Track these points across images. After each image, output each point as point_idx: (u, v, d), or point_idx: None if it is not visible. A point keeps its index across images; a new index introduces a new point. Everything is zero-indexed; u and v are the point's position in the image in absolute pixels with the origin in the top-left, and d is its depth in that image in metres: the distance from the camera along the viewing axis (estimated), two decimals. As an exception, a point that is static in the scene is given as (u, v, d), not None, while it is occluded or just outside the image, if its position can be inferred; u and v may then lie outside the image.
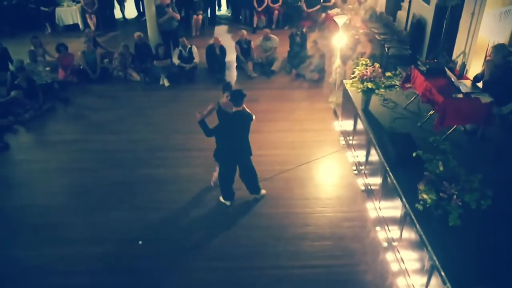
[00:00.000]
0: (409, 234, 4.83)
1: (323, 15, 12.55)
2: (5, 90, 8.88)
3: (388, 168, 5.41)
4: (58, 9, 13.03)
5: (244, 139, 5.78)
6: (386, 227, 5.54)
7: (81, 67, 10.10)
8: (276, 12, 13.14)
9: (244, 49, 10.40)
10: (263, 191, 6.38)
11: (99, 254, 5.47)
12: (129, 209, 6.19)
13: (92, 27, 12.70)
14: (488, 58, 6.50)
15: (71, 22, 13.17)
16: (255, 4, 12.99)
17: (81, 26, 13.14)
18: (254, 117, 5.72)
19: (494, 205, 4.12)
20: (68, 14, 13.10)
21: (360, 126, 6.73)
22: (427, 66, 6.44)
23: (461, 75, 6.58)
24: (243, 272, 5.20)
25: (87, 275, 5.20)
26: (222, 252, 5.49)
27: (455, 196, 4.17)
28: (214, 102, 5.89)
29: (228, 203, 6.25)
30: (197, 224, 5.94)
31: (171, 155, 7.37)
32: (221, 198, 6.27)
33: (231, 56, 10.56)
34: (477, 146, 6.02)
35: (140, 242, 5.63)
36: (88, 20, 13.02)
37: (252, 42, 10.51)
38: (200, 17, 12.76)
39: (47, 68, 10.05)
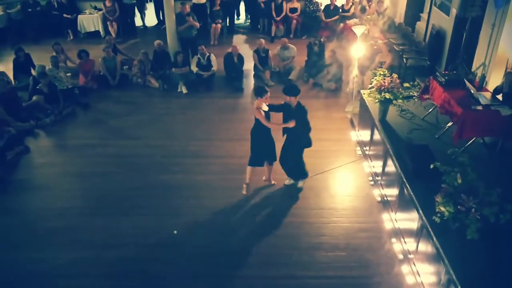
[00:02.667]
0: (425, 246, 4.78)
1: (341, 25, 12.58)
2: (27, 95, 9.10)
3: (405, 179, 5.37)
4: (80, 17, 13.32)
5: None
6: (402, 239, 5.49)
7: (101, 73, 10.28)
8: (295, 21, 13.20)
9: (261, 57, 10.46)
10: (299, 183, 6.77)
11: (115, 259, 5.51)
12: (145, 214, 6.24)
13: (113, 34, 12.95)
14: (508, 70, 6.42)
15: (92, 29, 13.43)
16: (273, 13, 13.08)
17: (102, 33, 13.37)
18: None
19: (513, 219, 4.05)
20: (90, 21, 13.38)
21: (377, 136, 6.70)
22: (446, 77, 6.40)
23: (481, 87, 6.52)
24: (256, 280, 5.19)
25: (102, 279, 5.25)
26: (236, 260, 5.49)
27: (473, 209, 4.12)
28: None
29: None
30: (212, 231, 5.95)
31: (188, 161, 7.42)
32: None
33: (249, 65, 10.62)
34: (497, 159, 5.94)
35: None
36: (109, 28, 13.26)
37: (270, 51, 10.56)
38: (219, 26, 12.87)
39: (68, 74, 10.27)
